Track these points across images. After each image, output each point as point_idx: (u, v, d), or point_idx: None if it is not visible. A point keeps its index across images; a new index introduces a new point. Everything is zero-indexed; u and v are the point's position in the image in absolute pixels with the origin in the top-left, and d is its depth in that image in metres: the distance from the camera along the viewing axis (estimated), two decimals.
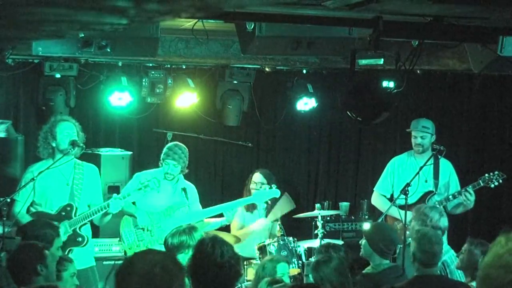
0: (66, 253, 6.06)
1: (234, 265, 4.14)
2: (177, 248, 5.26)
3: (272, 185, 7.28)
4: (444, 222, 6.08)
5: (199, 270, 4.09)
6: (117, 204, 6.36)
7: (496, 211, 9.35)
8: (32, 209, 6.33)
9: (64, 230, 6.22)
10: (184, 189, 6.93)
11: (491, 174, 7.19)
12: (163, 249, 5.42)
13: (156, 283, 2.76)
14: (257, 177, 7.75)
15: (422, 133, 7.37)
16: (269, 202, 7.47)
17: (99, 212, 6.37)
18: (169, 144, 7.10)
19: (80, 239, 6.39)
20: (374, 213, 8.36)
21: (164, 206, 6.81)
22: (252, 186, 7.74)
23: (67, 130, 6.44)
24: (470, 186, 7.18)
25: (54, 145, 6.43)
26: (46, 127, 6.50)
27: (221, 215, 7.00)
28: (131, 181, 6.91)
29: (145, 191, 6.49)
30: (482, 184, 7.18)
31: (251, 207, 7.67)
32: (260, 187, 7.65)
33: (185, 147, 7.05)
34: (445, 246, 5.87)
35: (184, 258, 5.01)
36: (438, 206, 6.81)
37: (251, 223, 7.61)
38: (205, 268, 4.07)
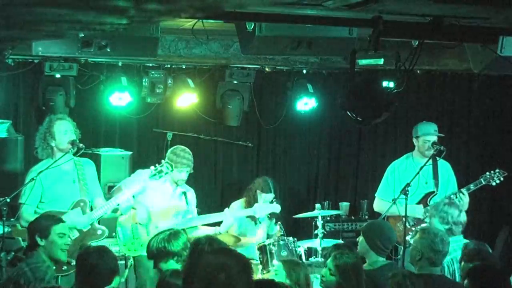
0: None
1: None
2: (157, 256, 5.05)
3: (275, 200, 7.23)
4: (463, 217, 6.14)
5: (193, 270, 4.06)
6: (125, 197, 6.43)
7: (497, 211, 9.35)
8: (39, 210, 6.32)
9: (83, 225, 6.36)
10: (184, 193, 6.92)
11: (492, 172, 7.23)
12: None
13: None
14: (270, 197, 7.71)
15: (435, 136, 7.35)
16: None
17: (113, 207, 6.42)
18: (176, 150, 6.90)
19: (100, 231, 6.43)
20: (374, 213, 8.36)
21: (163, 206, 6.80)
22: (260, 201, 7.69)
23: (65, 129, 6.44)
24: (471, 185, 7.19)
25: (53, 144, 6.42)
26: (43, 127, 6.49)
27: (217, 223, 6.93)
28: (134, 176, 6.86)
29: (160, 176, 6.50)
30: (483, 183, 7.21)
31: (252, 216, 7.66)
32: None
33: (189, 150, 7.01)
34: (461, 243, 5.86)
35: (166, 267, 4.93)
36: (454, 200, 6.82)
37: (250, 229, 7.60)
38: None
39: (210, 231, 6.79)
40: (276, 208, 7.14)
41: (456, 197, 7.16)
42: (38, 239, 5.26)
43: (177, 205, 6.87)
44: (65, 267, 5.95)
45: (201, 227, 6.86)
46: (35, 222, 5.48)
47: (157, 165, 6.56)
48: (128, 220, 6.72)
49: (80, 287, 4.58)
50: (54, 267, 5.41)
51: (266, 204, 7.10)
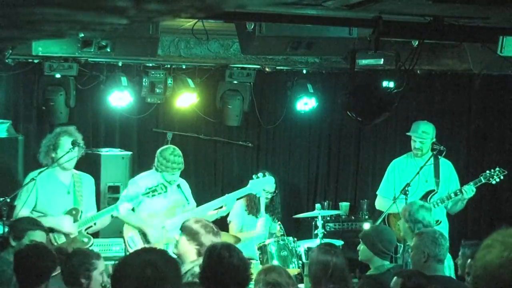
0: None
1: (246, 269, 4.17)
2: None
3: (266, 173, 7.21)
4: (423, 215, 6.07)
5: (212, 274, 4.11)
6: (125, 207, 6.46)
7: (496, 210, 9.35)
8: (33, 216, 6.32)
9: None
10: (179, 186, 6.94)
11: (492, 170, 7.24)
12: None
13: (148, 284, 2.79)
14: (270, 187, 7.71)
15: (421, 138, 7.35)
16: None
17: (106, 214, 6.47)
18: (165, 154, 6.87)
19: (85, 239, 6.44)
20: (374, 213, 8.36)
21: (165, 207, 6.82)
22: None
23: (68, 146, 6.46)
24: (471, 183, 7.19)
25: (53, 155, 6.48)
26: (51, 136, 6.57)
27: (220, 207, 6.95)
28: (129, 188, 6.87)
29: (153, 195, 6.53)
30: (483, 181, 7.21)
31: (253, 210, 7.65)
32: (269, 195, 7.67)
33: (177, 148, 7.01)
34: None
35: None
36: (428, 203, 6.80)
37: (252, 225, 7.60)
38: (219, 273, 4.08)
39: (214, 214, 6.86)
40: (270, 180, 7.11)
41: (457, 195, 7.17)
42: (11, 239, 5.27)
43: (176, 200, 6.88)
44: None
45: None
46: (15, 222, 5.51)
47: (152, 185, 6.60)
48: (133, 229, 6.73)
49: (20, 285, 4.58)
50: None
51: (260, 179, 7.07)
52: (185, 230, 5.27)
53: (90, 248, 5.63)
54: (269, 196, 7.71)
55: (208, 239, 5.19)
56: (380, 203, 7.61)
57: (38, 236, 5.31)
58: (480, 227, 9.28)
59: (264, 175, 7.12)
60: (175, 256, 5.19)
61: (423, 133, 7.35)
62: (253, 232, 7.53)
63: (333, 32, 6.31)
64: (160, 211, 6.78)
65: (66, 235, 6.33)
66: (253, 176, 7.06)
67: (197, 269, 4.63)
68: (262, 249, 6.94)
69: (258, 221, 7.61)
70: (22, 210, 6.28)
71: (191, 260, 5.12)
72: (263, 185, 7.12)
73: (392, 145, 9.18)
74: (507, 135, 9.43)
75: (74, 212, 6.42)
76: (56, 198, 6.46)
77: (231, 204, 6.94)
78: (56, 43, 6.44)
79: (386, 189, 7.58)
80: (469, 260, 5.02)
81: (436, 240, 5.10)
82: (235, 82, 8.45)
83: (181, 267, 5.10)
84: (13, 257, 4.73)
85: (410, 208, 6.12)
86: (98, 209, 6.85)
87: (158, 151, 6.95)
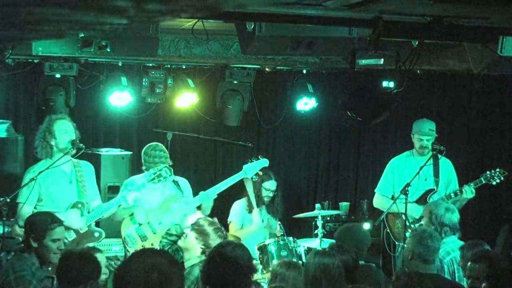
0: None
1: (252, 268, 4.18)
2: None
3: (260, 156, 7.17)
4: (450, 217, 6.03)
5: (215, 272, 4.10)
6: (133, 196, 6.42)
7: (496, 211, 9.35)
8: (37, 210, 6.30)
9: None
10: (175, 182, 6.92)
11: (493, 171, 7.24)
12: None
13: (153, 287, 2.79)
14: (272, 185, 7.68)
15: (429, 136, 7.35)
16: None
17: (115, 206, 6.42)
18: (147, 150, 6.94)
19: (97, 234, 6.41)
20: (374, 213, 8.36)
21: (159, 201, 6.80)
22: (264, 193, 7.68)
23: (65, 128, 6.41)
24: (471, 184, 7.19)
25: (53, 143, 6.39)
26: (43, 126, 6.46)
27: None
28: (122, 190, 6.84)
29: (159, 180, 6.51)
30: (484, 182, 7.21)
31: (253, 210, 7.66)
32: (271, 194, 7.65)
33: (160, 144, 7.01)
34: (458, 243, 5.84)
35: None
36: (445, 201, 6.77)
37: (247, 219, 7.61)
38: (223, 271, 4.09)
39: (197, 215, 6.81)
40: (263, 162, 7.08)
41: (456, 195, 7.17)
42: (32, 240, 5.17)
43: (171, 195, 6.87)
44: None
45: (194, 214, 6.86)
46: (33, 222, 5.35)
47: (155, 169, 6.57)
48: (129, 226, 6.73)
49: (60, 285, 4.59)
50: (49, 268, 5.39)
51: (253, 162, 7.05)
52: (196, 227, 5.31)
53: (93, 245, 5.61)
54: (270, 194, 7.70)
55: (215, 243, 5.21)
56: (379, 202, 7.62)
57: (58, 233, 5.21)
58: (481, 227, 9.28)
59: (258, 158, 7.07)
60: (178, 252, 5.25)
61: (430, 131, 7.36)
62: (252, 227, 7.51)
63: (333, 32, 6.31)
64: (154, 207, 6.77)
65: (76, 230, 6.31)
66: (247, 161, 7.03)
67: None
68: (262, 249, 6.94)
69: (252, 215, 7.57)
70: (25, 207, 6.21)
71: (196, 256, 5.17)
72: (256, 168, 7.06)
73: (392, 145, 9.19)
74: (507, 135, 9.44)
75: (79, 205, 6.36)
76: (59, 189, 6.38)
77: (210, 201, 6.89)
78: (56, 43, 6.44)
79: (385, 187, 7.58)
80: (469, 263, 5.01)
81: (422, 240, 5.11)
82: (235, 82, 8.45)
83: (183, 259, 5.19)
84: (58, 262, 4.70)
85: (436, 211, 6.06)
86: None
87: (143, 149, 6.96)
